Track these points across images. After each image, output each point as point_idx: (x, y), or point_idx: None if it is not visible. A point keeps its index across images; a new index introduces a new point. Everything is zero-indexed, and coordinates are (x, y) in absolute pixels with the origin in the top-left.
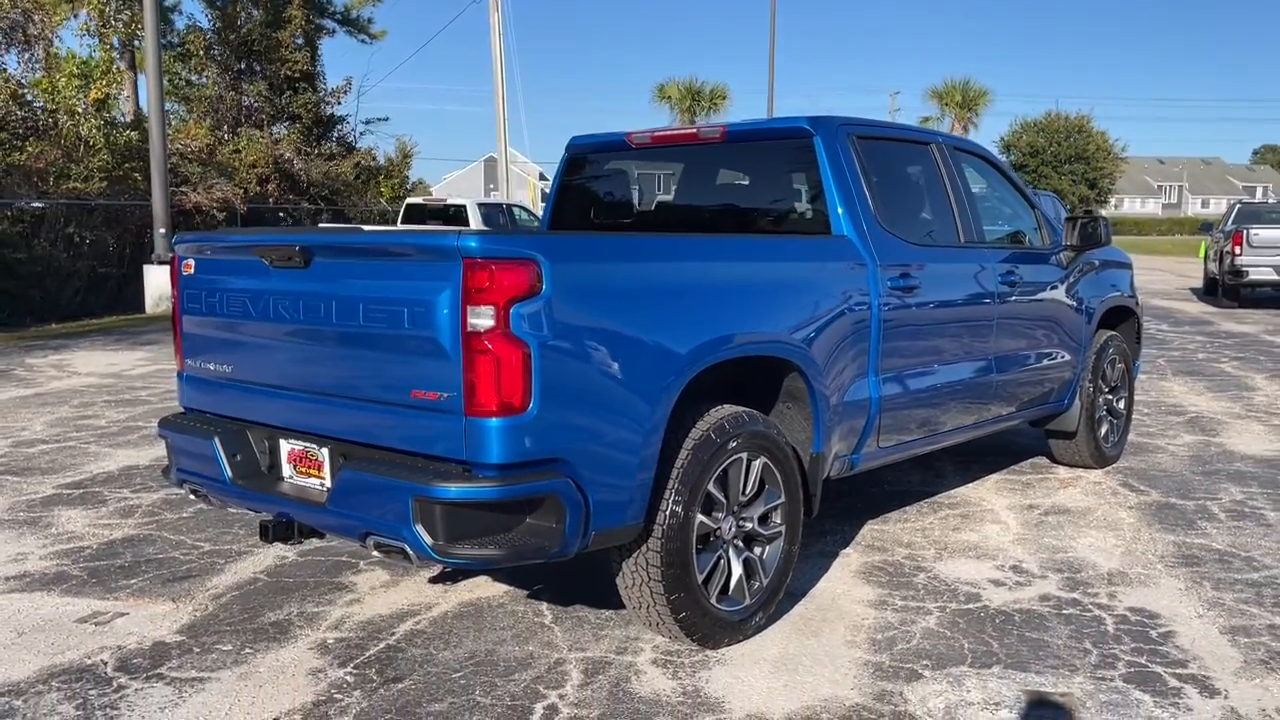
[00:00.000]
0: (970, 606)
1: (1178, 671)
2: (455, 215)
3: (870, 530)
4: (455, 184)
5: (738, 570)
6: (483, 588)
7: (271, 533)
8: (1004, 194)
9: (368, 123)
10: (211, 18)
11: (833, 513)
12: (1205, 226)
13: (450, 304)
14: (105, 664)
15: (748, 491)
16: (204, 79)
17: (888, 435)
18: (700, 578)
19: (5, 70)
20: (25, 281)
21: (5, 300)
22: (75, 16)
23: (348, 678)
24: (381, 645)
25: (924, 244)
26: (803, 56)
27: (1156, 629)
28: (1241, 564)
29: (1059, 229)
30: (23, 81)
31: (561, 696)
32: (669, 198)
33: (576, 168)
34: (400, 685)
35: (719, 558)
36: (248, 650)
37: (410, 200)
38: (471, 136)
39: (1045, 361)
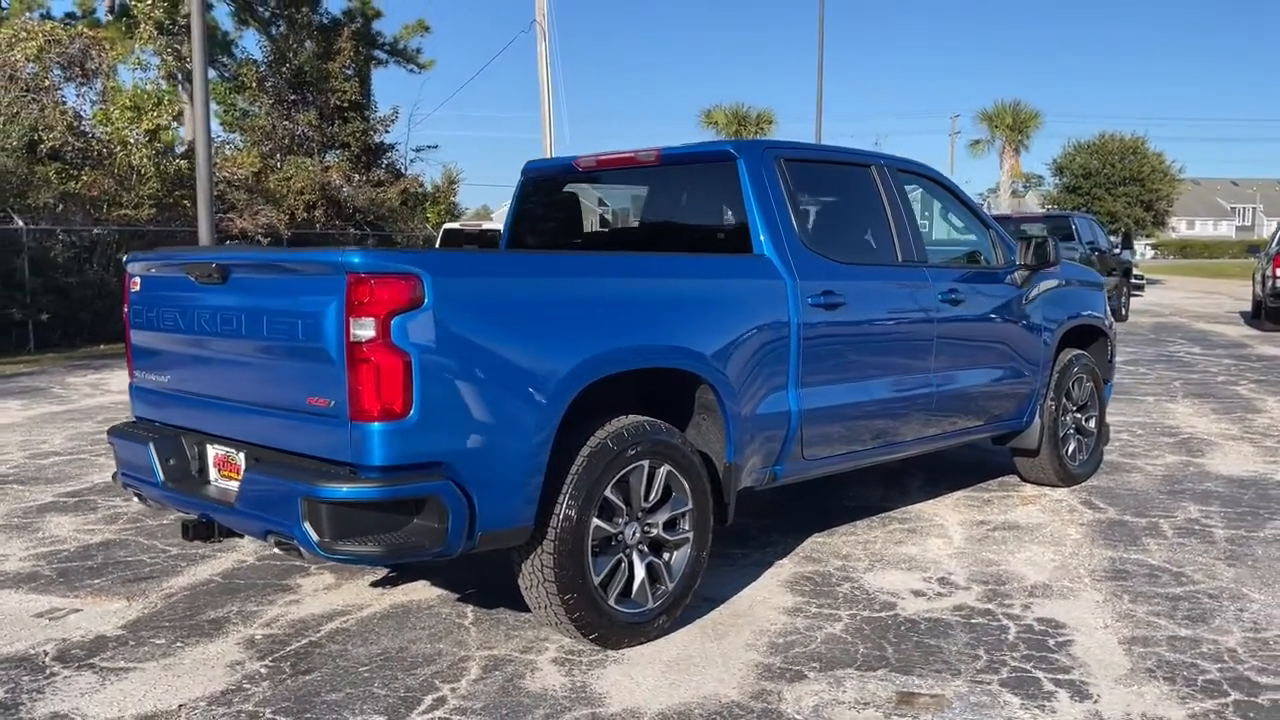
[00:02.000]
0: (882, 615)
1: (1058, 677)
2: (492, 239)
3: (813, 542)
4: None
5: (640, 574)
6: (418, 591)
7: (192, 532)
8: (958, 215)
9: (418, 150)
10: (266, 50)
11: (780, 525)
12: (1253, 249)
13: (336, 316)
14: (46, 654)
15: (651, 498)
16: (257, 109)
17: (814, 448)
18: (597, 580)
19: (64, 103)
20: (77, 304)
21: (58, 322)
22: (142, 51)
23: (262, 670)
24: (305, 641)
25: (853, 263)
26: (851, 80)
27: (1056, 638)
28: (1170, 579)
29: (1090, 250)
30: (81, 113)
31: (454, 690)
32: (614, 218)
33: (532, 191)
34: (308, 677)
35: (619, 561)
36: (178, 644)
37: (448, 226)
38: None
39: (995, 379)
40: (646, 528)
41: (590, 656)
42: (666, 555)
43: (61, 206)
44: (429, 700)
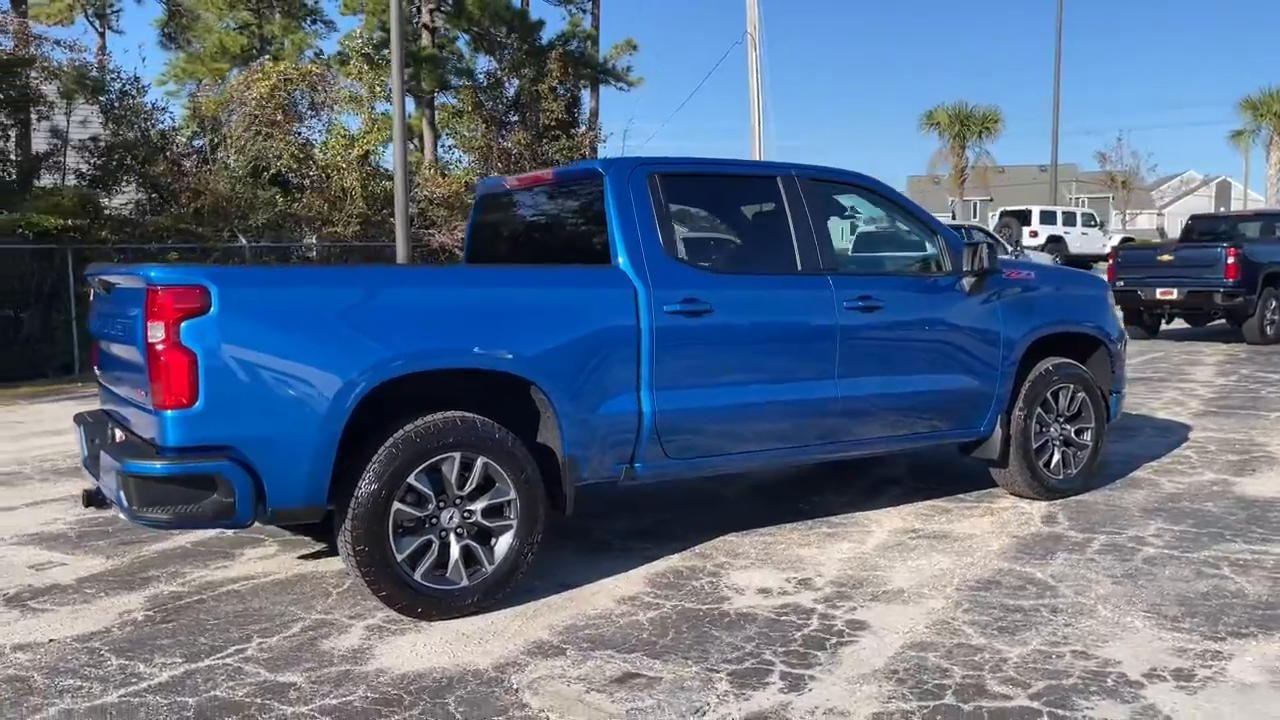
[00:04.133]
0: (703, 608)
1: (794, 671)
2: None
3: (720, 540)
4: None
5: (455, 555)
6: (329, 564)
7: (85, 499)
8: (903, 223)
9: None
10: (483, 76)
11: (704, 524)
12: None
13: (141, 321)
14: (3, 596)
15: (468, 487)
16: (475, 131)
17: (681, 448)
18: (400, 557)
19: (298, 134)
20: None
21: None
22: (386, 85)
23: (139, 618)
24: (195, 599)
25: (729, 271)
26: (1093, 71)
27: (843, 639)
28: (1035, 591)
29: None
30: (311, 141)
31: (260, 644)
32: (529, 231)
33: (483, 208)
34: (163, 625)
35: (429, 541)
36: (101, 594)
37: None
38: None
39: (929, 386)
40: (466, 514)
41: (401, 624)
42: (493, 540)
43: (281, 225)
44: (231, 650)
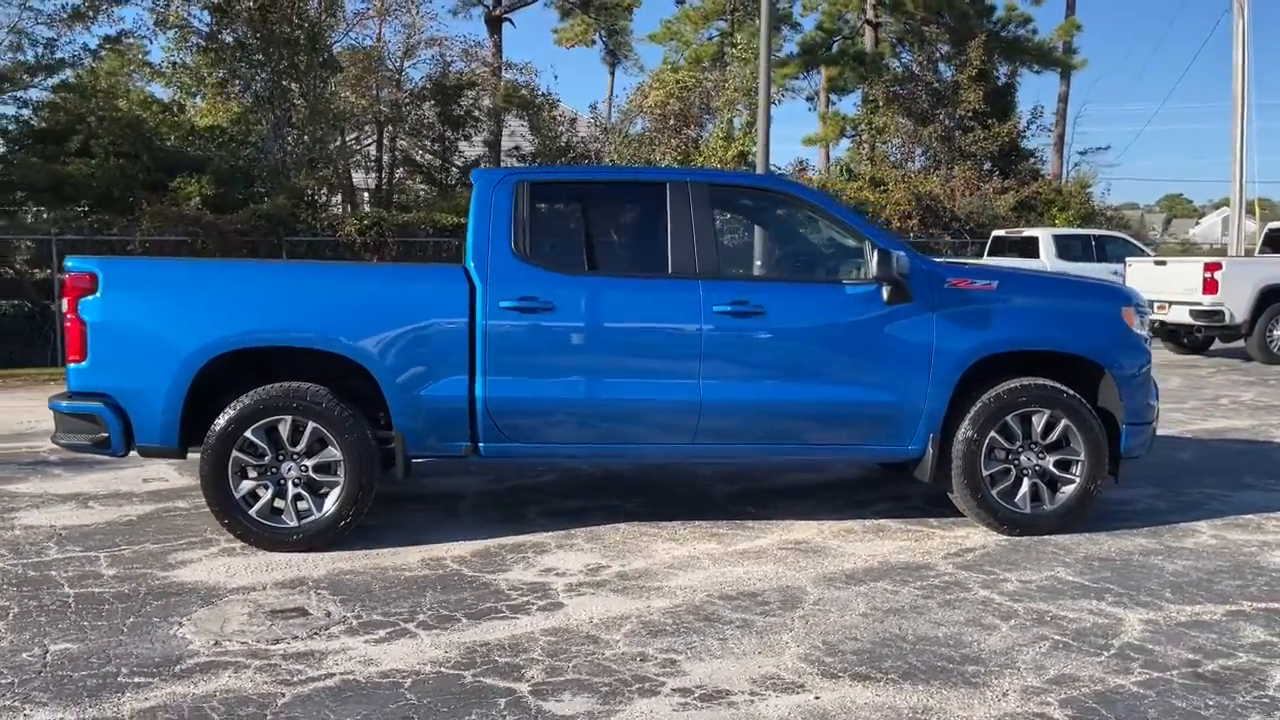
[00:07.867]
0: (469, 574)
1: (417, 630)
2: None
3: (607, 528)
4: None
5: (289, 500)
6: None
7: None
8: (826, 231)
9: (1083, 153)
10: (900, 71)
11: (632, 511)
12: None
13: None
14: (88, 495)
15: (300, 446)
16: (885, 124)
17: (518, 432)
18: (238, 495)
19: (694, 134)
20: None
21: None
22: (786, 85)
23: (124, 521)
24: (175, 514)
25: (582, 273)
26: None
27: (523, 614)
28: (771, 608)
29: None
30: (697, 141)
31: (137, 549)
32: None
33: None
34: (124, 527)
35: (265, 485)
36: (135, 504)
37: (1272, 225)
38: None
39: (821, 396)
40: (302, 468)
41: (246, 549)
42: (324, 491)
43: None
44: (117, 549)
